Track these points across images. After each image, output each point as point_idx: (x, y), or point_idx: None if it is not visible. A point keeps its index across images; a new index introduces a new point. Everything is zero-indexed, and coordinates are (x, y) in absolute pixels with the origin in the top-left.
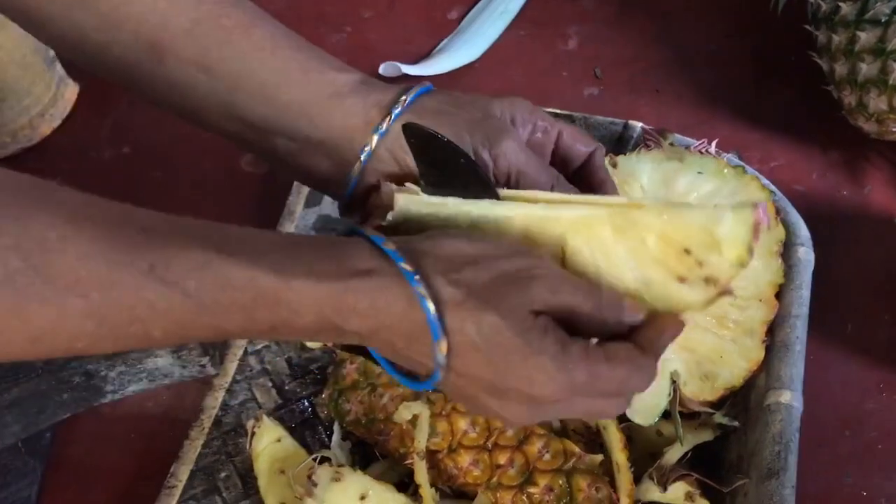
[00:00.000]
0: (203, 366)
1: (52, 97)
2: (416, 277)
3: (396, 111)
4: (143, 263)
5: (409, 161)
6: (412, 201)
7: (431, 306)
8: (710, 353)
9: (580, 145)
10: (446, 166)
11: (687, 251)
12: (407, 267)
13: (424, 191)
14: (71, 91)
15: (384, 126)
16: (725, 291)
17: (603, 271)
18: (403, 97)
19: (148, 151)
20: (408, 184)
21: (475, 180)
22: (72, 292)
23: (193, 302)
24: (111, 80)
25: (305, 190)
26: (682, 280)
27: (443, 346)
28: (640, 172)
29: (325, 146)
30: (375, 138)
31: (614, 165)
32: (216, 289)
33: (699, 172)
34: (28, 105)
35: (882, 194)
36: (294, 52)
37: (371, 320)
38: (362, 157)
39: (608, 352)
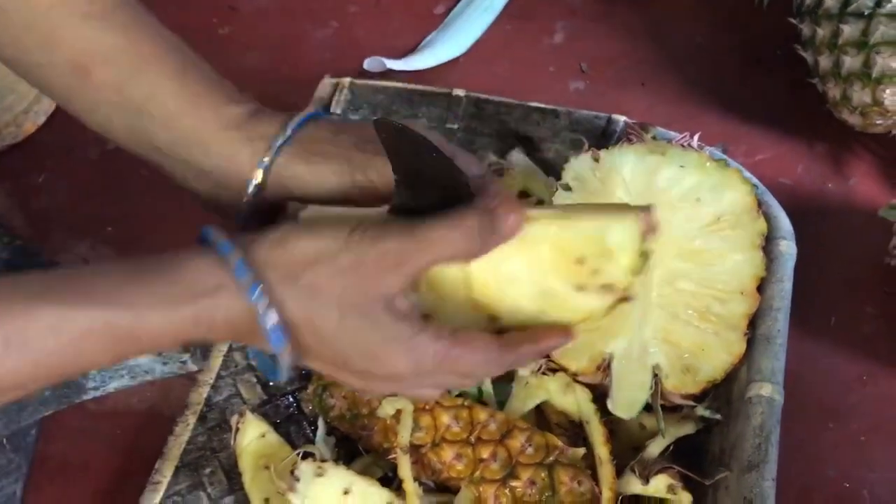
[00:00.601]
0: (184, 362)
1: (37, 95)
2: (257, 293)
3: (277, 143)
4: None
5: (300, 186)
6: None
7: (271, 320)
8: (691, 346)
9: (473, 168)
10: (417, 159)
11: (580, 260)
12: (246, 283)
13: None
14: None
15: (266, 159)
16: (625, 298)
17: (503, 287)
18: (286, 128)
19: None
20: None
21: (446, 172)
22: None
23: (56, 358)
24: (50, 97)
25: None
26: (580, 289)
27: (285, 352)
28: (622, 166)
29: (216, 176)
30: (260, 172)
31: (597, 160)
32: (74, 340)
33: (681, 166)
34: (12, 103)
35: (867, 187)
36: (197, 83)
37: (229, 331)
38: (249, 191)
39: (463, 338)
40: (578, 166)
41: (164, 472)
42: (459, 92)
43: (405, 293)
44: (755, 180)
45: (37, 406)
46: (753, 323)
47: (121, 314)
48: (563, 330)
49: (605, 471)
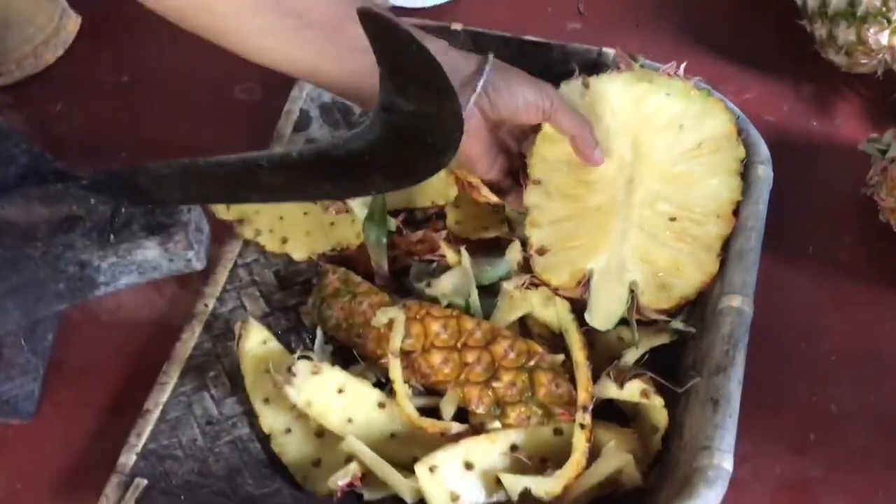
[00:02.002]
0: (188, 260)
1: (55, 27)
2: None
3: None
4: None
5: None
6: None
7: None
8: (667, 265)
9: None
10: (401, 53)
11: None
12: None
13: None
14: (73, 22)
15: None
16: None
17: None
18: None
19: (146, 80)
20: None
21: (429, 67)
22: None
23: None
24: None
25: (293, 116)
26: None
27: None
28: (610, 94)
29: None
30: None
31: (586, 86)
32: None
33: (667, 94)
34: (32, 34)
35: (850, 126)
36: None
37: None
38: None
39: None
40: (568, 92)
41: (171, 374)
42: (457, 26)
43: None
44: (737, 110)
45: (52, 298)
46: (727, 243)
47: None
48: None
49: (581, 374)
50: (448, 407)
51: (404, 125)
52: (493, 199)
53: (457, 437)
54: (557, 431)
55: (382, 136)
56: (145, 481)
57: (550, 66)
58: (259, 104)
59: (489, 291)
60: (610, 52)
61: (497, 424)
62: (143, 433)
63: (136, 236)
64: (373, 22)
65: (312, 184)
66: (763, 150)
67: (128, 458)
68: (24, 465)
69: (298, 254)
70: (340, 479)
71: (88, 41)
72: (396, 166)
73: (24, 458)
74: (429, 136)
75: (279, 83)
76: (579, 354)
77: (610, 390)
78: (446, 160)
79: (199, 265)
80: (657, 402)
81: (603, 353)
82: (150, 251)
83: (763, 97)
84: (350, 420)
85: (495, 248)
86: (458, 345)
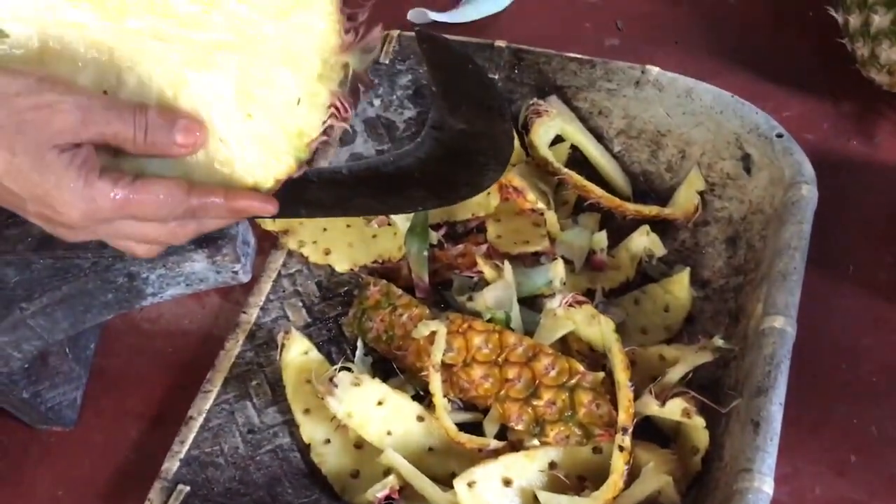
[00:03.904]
0: (235, 272)
1: None
2: None
3: None
4: None
5: None
6: None
7: None
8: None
9: None
10: (455, 73)
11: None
12: None
13: None
14: None
15: None
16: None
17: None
18: None
19: None
20: None
21: (482, 87)
22: None
23: None
24: None
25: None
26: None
27: None
28: None
29: None
30: None
31: None
32: None
33: None
34: None
35: (891, 145)
36: None
37: None
38: None
39: (145, 182)
40: None
41: (215, 383)
42: (501, 43)
43: (84, 147)
44: (781, 129)
45: (100, 309)
46: (771, 261)
47: None
48: (264, 196)
49: (623, 395)
50: (490, 426)
51: (455, 143)
52: (539, 205)
53: (495, 454)
54: (597, 450)
55: (432, 154)
56: (188, 488)
57: (593, 82)
58: None
59: (530, 305)
60: (653, 69)
61: (536, 442)
62: (186, 440)
63: (184, 248)
64: (428, 42)
65: (359, 200)
66: (808, 170)
67: (171, 465)
68: (65, 472)
69: (341, 265)
70: (379, 492)
71: None
72: (444, 184)
73: (66, 465)
74: (479, 155)
75: None
76: (622, 375)
77: (651, 407)
78: (495, 178)
79: (245, 278)
80: (699, 422)
81: (644, 373)
82: (198, 263)
83: (803, 115)
84: (389, 432)
85: (536, 263)
86: (500, 360)
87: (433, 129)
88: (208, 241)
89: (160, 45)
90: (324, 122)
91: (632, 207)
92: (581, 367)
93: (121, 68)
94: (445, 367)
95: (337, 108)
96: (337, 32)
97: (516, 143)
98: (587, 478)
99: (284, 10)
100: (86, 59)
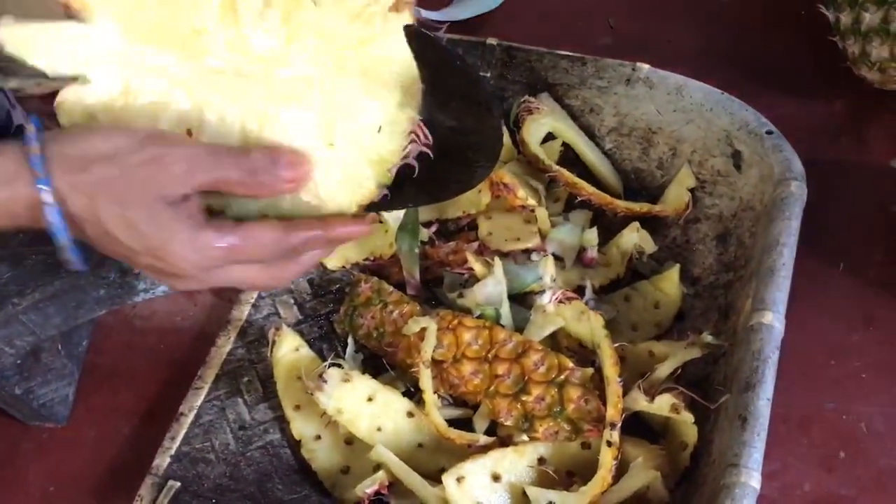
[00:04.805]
0: None
1: None
2: (42, 186)
3: None
4: None
5: None
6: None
7: (50, 213)
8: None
9: None
10: (444, 69)
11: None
12: (38, 175)
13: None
14: None
15: None
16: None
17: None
18: None
19: None
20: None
21: (470, 83)
22: None
23: None
24: None
25: None
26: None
27: (66, 243)
28: None
29: None
30: None
31: None
32: None
33: None
34: None
35: (882, 143)
36: None
37: (28, 219)
38: None
39: (247, 227)
40: None
41: (206, 379)
42: (492, 41)
43: (191, 196)
44: (771, 126)
45: (92, 305)
46: (760, 258)
47: None
48: (356, 219)
49: (612, 391)
50: (480, 422)
51: (444, 140)
52: (530, 201)
53: (484, 449)
54: (585, 445)
55: (421, 151)
56: (178, 484)
57: (584, 80)
58: None
59: (521, 302)
60: (644, 66)
61: (525, 438)
62: (177, 436)
63: None
64: (416, 39)
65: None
66: (797, 166)
67: (162, 461)
68: (57, 468)
69: (332, 262)
70: (368, 487)
71: None
72: (434, 180)
73: (58, 461)
74: (468, 151)
75: None
76: (611, 371)
77: (640, 403)
78: (484, 175)
79: None
80: (687, 417)
81: (634, 369)
82: None
83: (794, 113)
84: (379, 428)
85: (527, 260)
86: (489, 356)
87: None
88: None
89: (241, 82)
90: (404, 148)
91: (622, 204)
92: (570, 363)
93: (202, 107)
94: (435, 364)
95: (417, 135)
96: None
97: (508, 140)
98: (576, 473)
99: (363, 41)
100: (167, 100)
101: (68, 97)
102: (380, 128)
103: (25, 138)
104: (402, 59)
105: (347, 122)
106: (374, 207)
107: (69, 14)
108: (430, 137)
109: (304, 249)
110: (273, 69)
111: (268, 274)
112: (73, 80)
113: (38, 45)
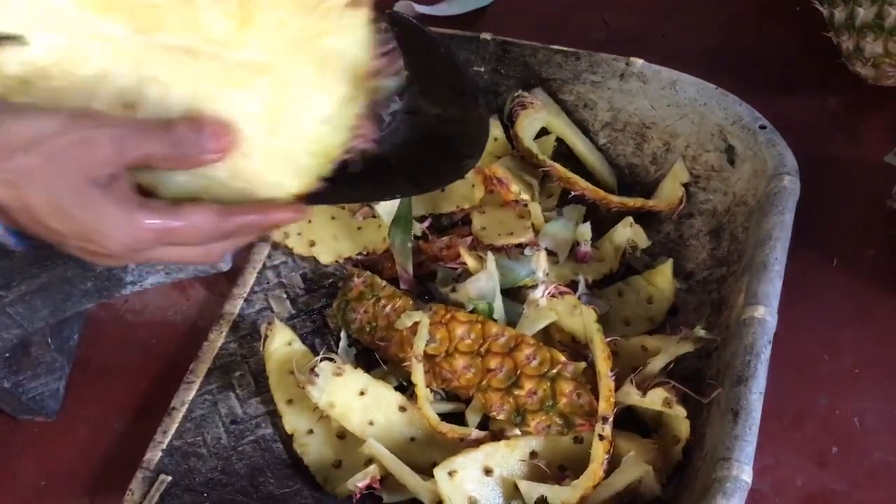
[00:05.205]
0: None
1: None
2: None
3: None
4: None
5: None
6: None
7: None
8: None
9: None
10: (427, 56)
11: None
12: None
13: None
14: None
15: None
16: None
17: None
18: None
19: None
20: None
21: (454, 70)
22: None
23: None
24: None
25: None
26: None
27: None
28: None
29: None
30: None
31: None
32: None
33: None
34: None
35: (876, 139)
36: None
37: None
38: None
39: (182, 209)
40: None
41: (198, 373)
42: (486, 36)
43: (120, 175)
44: (764, 120)
45: (80, 297)
46: (753, 252)
47: None
48: (294, 206)
49: (604, 384)
50: (473, 416)
51: (430, 129)
52: (524, 196)
53: (476, 443)
54: (578, 439)
55: (408, 140)
56: (170, 478)
57: (578, 75)
58: None
59: (514, 296)
60: (638, 61)
61: (517, 432)
62: (168, 431)
63: None
64: (400, 25)
65: (337, 188)
66: (790, 161)
67: (153, 455)
68: (48, 462)
69: (325, 257)
70: (359, 481)
71: None
72: (421, 170)
73: (49, 455)
74: (455, 141)
75: None
76: (603, 365)
77: (632, 397)
78: (471, 164)
79: (224, 266)
80: (680, 411)
81: (627, 363)
82: None
83: (788, 109)
84: (371, 423)
85: (520, 255)
86: (482, 350)
87: (408, 115)
88: None
89: (190, 61)
90: (347, 142)
91: (616, 199)
92: (562, 357)
93: (145, 83)
94: (428, 358)
95: (362, 131)
96: (369, 58)
97: (501, 135)
98: (568, 467)
99: (319, 34)
100: (109, 72)
101: (0, 58)
102: (325, 120)
103: None
104: (355, 55)
105: (293, 111)
106: (313, 199)
107: None
108: (372, 133)
109: (238, 233)
110: (224, 52)
111: (196, 253)
112: (9, 39)
113: None
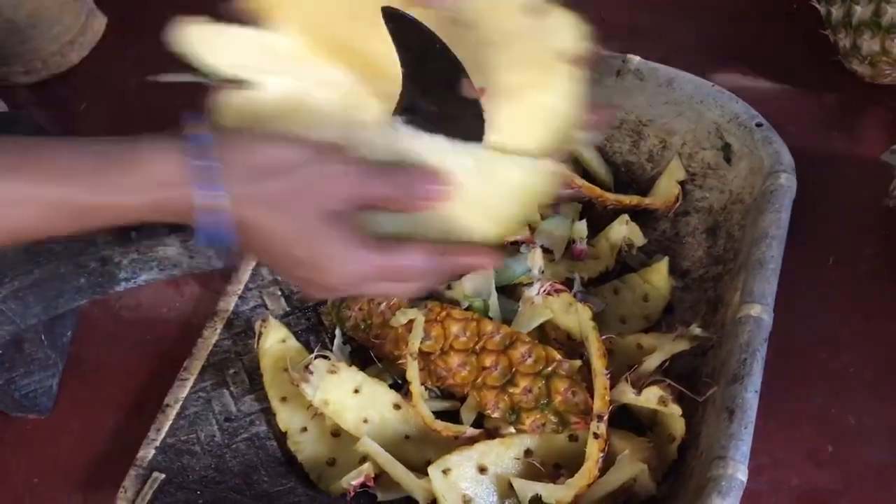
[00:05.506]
0: (209, 257)
1: (82, 27)
2: (213, 192)
3: None
4: None
5: None
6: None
7: (222, 219)
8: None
9: None
10: (424, 54)
11: None
12: (207, 180)
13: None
14: (99, 22)
15: None
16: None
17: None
18: None
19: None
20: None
21: (451, 67)
22: None
23: (22, 226)
24: None
25: None
26: None
27: (227, 251)
28: None
29: None
30: None
31: None
32: (39, 214)
33: None
34: (58, 33)
35: (873, 137)
36: None
37: (182, 217)
38: None
39: (403, 248)
40: None
41: (192, 371)
42: None
43: (349, 211)
44: (761, 118)
45: (73, 294)
46: (749, 250)
47: (83, 194)
48: (496, 252)
49: (599, 382)
50: (468, 414)
51: (427, 126)
52: None
53: (471, 441)
54: (573, 438)
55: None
56: (163, 475)
57: None
58: None
59: (509, 293)
60: (635, 58)
61: (512, 430)
62: (162, 428)
63: (157, 233)
64: (396, 21)
65: None
66: (787, 159)
67: (146, 452)
68: (41, 459)
69: None
70: (353, 479)
71: (114, 41)
72: None
73: (42, 453)
74: (451, 138)
75: None
76: (598, 363)
77: (627, 395)
78: None
79: (219, 263)
80: (675, 410)
81: (622, 361)
82: (170, 248)
83: (785, 106)
84: (365, 420)
85: (516, 252)
86: (477, 348)
87: (405, 112)
88: (181, 226)
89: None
90: (557, 190)
91: (612, 197)
92: (558, 355)
93: (362, 126)
94: (423, 355)
95: (572, 180)
96: (575, 113)
97: None
98: (563, 465)
99: (533, 86)
100: (328, 113)
101: (233, 99)
102: (533, 168)
103: (191, 140)
104: (564, 108)
105: (505, 158)
106: (514, 242)
107: (249, 19)
108: (579, 181)
109: (445, 273)
110: None
111: (406, 289)
112: (241, 83)
113: (216, 44)
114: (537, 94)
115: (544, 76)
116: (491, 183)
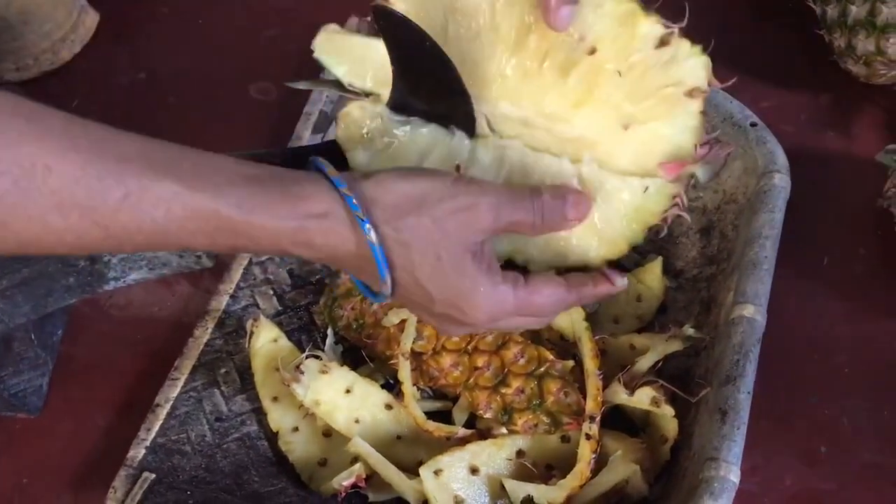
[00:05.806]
0: (199, 257)
1: (73, 24)
2: (368, 226)
3: None
4: (118, 192)
5: None
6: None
7: (381, 254)
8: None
9: None
10: (414, 51)
11: None
12: (361, 216)
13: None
14: (91, 19)
15: None
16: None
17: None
18: None
19: (162, 78)
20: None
21: (441, 65)
22: (54, 213)
23: (161, 227)
24: None
25: (313, 117)
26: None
27: (387, 284)
28: None
29: None
30: None
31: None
32: (182, 217)
33: None
34: (50, 30)
35: (868, 137)
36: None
37: (325, 253)
38: None
39: (538, 284)
40: None
41: (183, 370)
42: None
43: (486, 242)
44: (755, 118)
45: (62, 293)
46: (742, 250)
47: (231, 209)
48: (619, 278)
49: (591, 383)
50: (459, 414)
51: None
52: None
53: (463, 442)
54: (565, 438)
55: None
56: (153, 475)
57: None
58: (273, 104)
59: None
60: None
61: (504, 430)
62: (152, 428)
63: None
64: (385, 18)
65: None
66: (781, 159)
67: (136, 452)
68: (30, 459)
69: None
70: (345, 480)
71: (106, 38)
72: None
73: (31, 452)
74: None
75: None
76: (590, 363)
77: (620, 396)
78: None
79: (209, 262)
80: (668, 411)
81: (615, 362)
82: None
83: (780, 106)
84: (357, 421)
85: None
86: (469, 348)
87: (394, 110)
88: None
89: (527, 132)
90: (665, 211)
91: None
92: (550, 356)
93: (478, 146)
94: (415, 356)
95: (679, 201)
96: (694, 145)
97: None
98: (555, 466)
99: (648, 118)
100: (445, 132)
101: (354, 111)
102: (646, 189)
103: (332, 178)
104: (679, 142)
105: (613, 182)
106: (615, 264)
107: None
108: (686, 204)
109: (574, 305)
110: (553, 125)
111: (539, 322)
112: (365, 95)
113: (347, 55)
114: (657, 125)
115: (665, 107)
116: (607, 203)
